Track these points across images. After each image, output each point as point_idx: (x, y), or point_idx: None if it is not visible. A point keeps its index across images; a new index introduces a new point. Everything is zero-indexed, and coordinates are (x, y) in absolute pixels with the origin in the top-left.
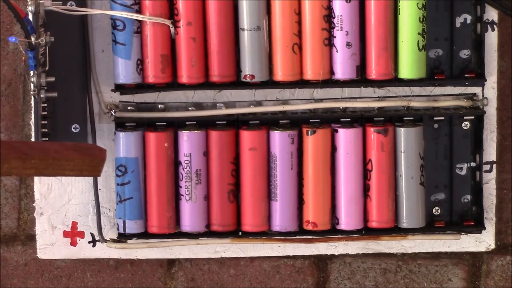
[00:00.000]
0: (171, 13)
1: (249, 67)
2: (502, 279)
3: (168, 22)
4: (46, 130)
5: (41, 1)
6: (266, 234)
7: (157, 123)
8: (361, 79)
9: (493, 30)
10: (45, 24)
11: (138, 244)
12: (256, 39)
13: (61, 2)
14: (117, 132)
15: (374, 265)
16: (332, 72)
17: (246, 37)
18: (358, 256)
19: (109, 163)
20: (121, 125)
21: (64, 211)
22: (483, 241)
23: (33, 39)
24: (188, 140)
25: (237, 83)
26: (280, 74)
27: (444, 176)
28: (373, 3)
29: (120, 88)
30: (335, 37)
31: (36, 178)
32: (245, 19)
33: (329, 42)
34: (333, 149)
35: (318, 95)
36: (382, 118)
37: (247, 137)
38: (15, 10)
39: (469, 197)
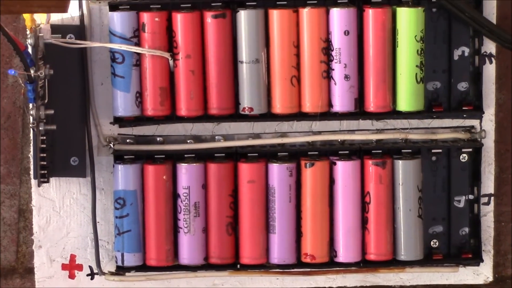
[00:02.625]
0: (170, 45)
1: (247, 100)
2: None
3: (167, 55)
4: (45, 163)
5: (40, 34)
6: (265, 266)
7: (155, 156)
8: (359, 111)
9: (491, 62)
10: (44, 56)
11: (137, 277)
12: (255, 72)
13: (60, 35)
14: (116, 165)
15: None
16: (330, 105)
17: (244, 70)
18: None
19: (107, 196)
20: (119, 157)
21: (62, 244)
22: (481, 274)
23: (32, 71)
24: (186, 173)
25: (236, 115)
26: (278, 107)
27: (442, 208)
28: (371, 36)
29: (119, 121)
30: (333, 69)
31: (35, 211)
32: (244, 52)
33: (328, 75)
34: (331, 181)
35: (317, 127)
36: (380, 151)
37: (246, 170)
38: (14, 43)
39: (467, 229)
